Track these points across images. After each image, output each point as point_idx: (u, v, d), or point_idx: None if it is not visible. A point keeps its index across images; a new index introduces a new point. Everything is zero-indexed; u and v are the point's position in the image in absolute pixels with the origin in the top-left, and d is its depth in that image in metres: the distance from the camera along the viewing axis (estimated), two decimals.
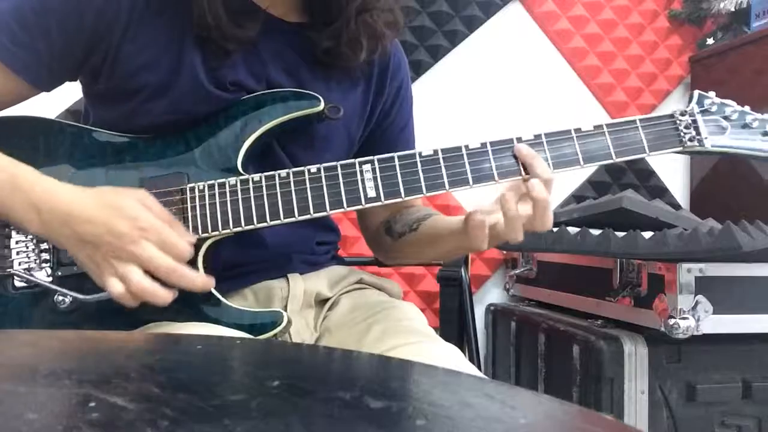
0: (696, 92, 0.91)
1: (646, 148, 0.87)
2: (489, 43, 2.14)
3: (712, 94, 0.91)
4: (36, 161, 0.83)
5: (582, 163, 0.86)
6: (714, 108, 0.90)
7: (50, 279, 0.84)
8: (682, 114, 0.89)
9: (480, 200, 2.24)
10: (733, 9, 2.17)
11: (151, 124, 0.87)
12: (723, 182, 2.16)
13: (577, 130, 0.87)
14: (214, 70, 0.87)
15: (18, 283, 0.84)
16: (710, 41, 2.25)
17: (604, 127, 0.87)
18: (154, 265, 0.76)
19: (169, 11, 0.86)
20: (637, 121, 0.88)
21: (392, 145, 1.03)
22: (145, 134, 0.88)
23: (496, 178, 0.85)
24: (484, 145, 0.85)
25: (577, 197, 2.16)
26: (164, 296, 0.76)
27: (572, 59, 2.21)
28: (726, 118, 0.90)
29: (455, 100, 2.08)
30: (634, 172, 2.27)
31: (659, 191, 2.26)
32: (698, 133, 0.89)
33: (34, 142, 0.86)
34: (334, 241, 1.05)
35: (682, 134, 0.88)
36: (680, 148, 0.89)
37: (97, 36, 0.85)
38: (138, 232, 0.75)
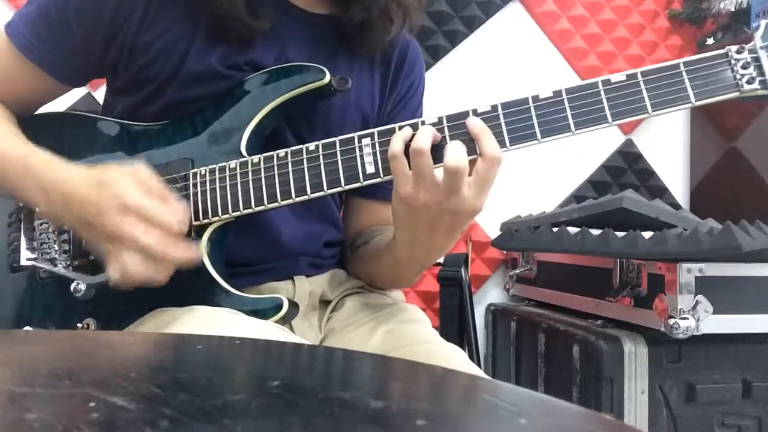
0: (764, 22, 0.76)
1: (692, 96, 0.74)
2: (489, 43, 2.14)
3: None
4: (62, 155, 0.84)
5: (611, 120, 0.75)
6: None
7: (67, 270, 0.87)
8: (739, 51, 0.75)
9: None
10: (733, 9, 2.16)
11: (164, 109, 0.88)
12: (723, 182, 2.16)
13: (606, 83, 0.76)
14: (226, 51, 0.88)
15: (43, 274, 0.88)
16: (710, 41, 2.25)
17: (639, 76, 0.75)
18: (140, 245, 0.74)
19: (184, 1, 0.87)
20: (681, 66, 0.75)
21: None
22: (160, 120, 0.89)
23: (508, 145, 0.78)
24: (495, 108, 0.79)
25: (577, 197, 2.16)
26: (159, 280, 0.76)
27: (572, 59, 2.21)
28: None
29: (455, 101, 2.08)
30: (634, 172, 2.27)
31: (659, 191, 2.26)
32: (761, 73, 0.74)
33: (61, 137, 0.88)
34: (341, 240, 1.04)
35: (738, 76, 0.74)
36: (736, 93, 0.75)
37: (113, 29, 0.87)
38: (122, 212, 0.74)
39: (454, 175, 0.73)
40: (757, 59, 0.75)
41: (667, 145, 2.30)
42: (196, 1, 0.87)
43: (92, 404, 0.36)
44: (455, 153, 0.73)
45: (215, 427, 0.33)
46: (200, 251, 0.81)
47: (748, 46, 0.75)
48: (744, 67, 0.75)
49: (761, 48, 0.75)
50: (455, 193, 0.73)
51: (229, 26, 0.86)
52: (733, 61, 0.75)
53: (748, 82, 0.75)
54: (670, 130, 2.30)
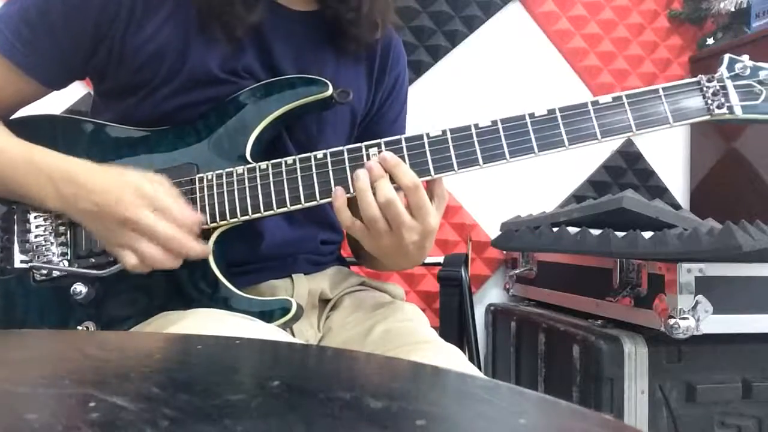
0: (726, 56, 0.86)
1: (670, 118, 0.83)
2: (489, 43, 2.14)
3: (745, 57, 0.86)
4: None
5: (600, 137, 0.83)
6: (747, 72, 0.85)
7: (78, 268, 0.87)
8: (709, 80, 0.85)
9: (481, 199, 2.23)
10: (733, 9, 2.16)
11: (162, 114, 0.88)
12: (723, 182, 2.16)
13: (594, 103, 0.84)
14: (221, 55, 0.88)
15: (38, 277, 0.87)
16: (710, 41, 2.25)
17: (624, 98, 0.84)
18: (151, 232, 0.78)
19: (172, 1, 0.87)
20: (660, 90, 0.84)
21: (383, 136, 1.03)
22: (157, 125, 0.89)
23: (508, 157, 0.83)
24: (495, 122, 0.83)
25: (577, 197, 2.16)
26: (172, 263, 0.80)
27: (572, 59, 2.21)
28: (761, 82, 0.85)
29: (455, 101, 2.08)
30: (634, 172, 2.27)
31: (659, 191, 2.26)
32: (727, 100, 0.84)
33: (54, 140, 0.87)
34: (338, 240, 1.05)
35: (709, 102, 0.84)
36: (708, 117, 0.84)
37: (100, 32, 0.86)
38: (139, 200, 0.78)
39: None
40: (724, 87, 0.85)
41: (667, 145, 2.30)
42: (182, 1, 0.86)
43: (92, 404, 0.36)
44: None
45: (215, 427, 0.33)
46: (208, 248, 0.83)
47: (716, 76, 0.86)
48: (714, 94, 0.85)
49: (727, 78, 0.85)
50: (402, 238, 0.79)
51: (221, 20, 0.85)
52: (704, 89, 0.85)
53: (718, 107, 0.84)
54: (670, 130, 2.30)
